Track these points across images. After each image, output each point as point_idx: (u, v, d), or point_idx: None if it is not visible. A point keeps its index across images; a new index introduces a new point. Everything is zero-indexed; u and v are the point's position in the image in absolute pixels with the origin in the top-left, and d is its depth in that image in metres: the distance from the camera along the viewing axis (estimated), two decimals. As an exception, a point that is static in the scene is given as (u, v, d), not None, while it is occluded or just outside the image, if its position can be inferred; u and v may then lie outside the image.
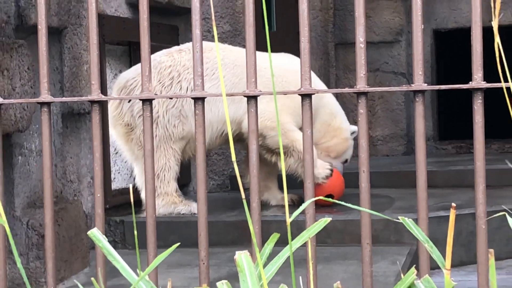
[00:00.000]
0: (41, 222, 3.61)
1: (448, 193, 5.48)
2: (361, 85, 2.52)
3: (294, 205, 4.99)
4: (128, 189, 5.21)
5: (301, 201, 4.86)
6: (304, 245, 1.89)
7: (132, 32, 4.95)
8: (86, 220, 4.07)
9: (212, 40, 5.93)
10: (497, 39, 1.72)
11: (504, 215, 1.96)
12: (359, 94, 2.54)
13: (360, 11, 2.52)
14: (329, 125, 5.09)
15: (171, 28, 5.83)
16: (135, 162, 4.88)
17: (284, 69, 4.82)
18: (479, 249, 2.48)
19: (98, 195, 2.70)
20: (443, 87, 2.56)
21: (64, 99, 2.87)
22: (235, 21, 6.24)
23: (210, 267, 2.72)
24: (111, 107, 4.82)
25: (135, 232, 1.86)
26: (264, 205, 4.98)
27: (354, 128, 5.10)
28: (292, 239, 1.72)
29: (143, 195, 4.73)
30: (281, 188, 5.24)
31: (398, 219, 1.99)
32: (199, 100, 2.63)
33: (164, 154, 4.77)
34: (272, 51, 4.85)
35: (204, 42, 4.26)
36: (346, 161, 5.23)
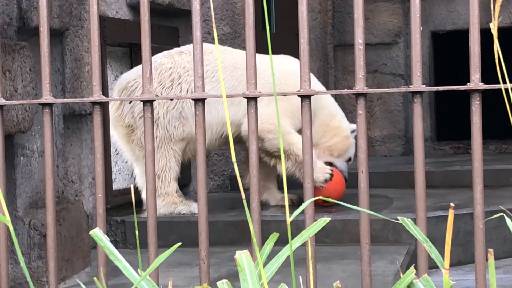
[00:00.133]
0: (43, 222, 3.63)
1: (446, 193, 5.50)
2: (360, 86, 2.55)
3: (294, 205, 5.01)
4: (128, 189, 5.23)
5: (300, 201, 4.88)
6: (303, 244, 1.91)
7: (133, 34, 4.98)
8: (88, 220, 4.09)
9: (212, 41, 5.95)
10: (496, 41, 1.75)
11: (502, 215, 1.98)
12: (358, 95, 2.56)
13: (359, 13, 2.55)
14: (328, 125, 5.09)
15: (171, 30, 5.85)
16: (135, 163, 4.90)
17: (282, 71, 4.83)
18: (477, 248, 2.50)
19: (100, 195, 2.73)
20: (441, 88, 2.58)
21: (65, 100, 2.90)
22: (234, 23, 6.26)
23: (210, 267, 2.74)
24: (112, 108, 4.84)
25: (137, 232, 1.88)
26: (264, 205, 4.99)
27: (354, 126, 5.10)
28: (292, 238, 1.74)
29: (143, 195, 4.75)
30: (280, 188, 5.26)
31: (396, 219, 2.01)
32: (199, 101, 2.66)
33: (164, 155, 4.79)
34: (272, 52, 4.89)
35: (204, 44, 4.28)
36: (349, 159, 5.20)
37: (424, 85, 2.52)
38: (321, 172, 4.84)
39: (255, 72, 2.62)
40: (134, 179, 5.00)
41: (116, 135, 4.89)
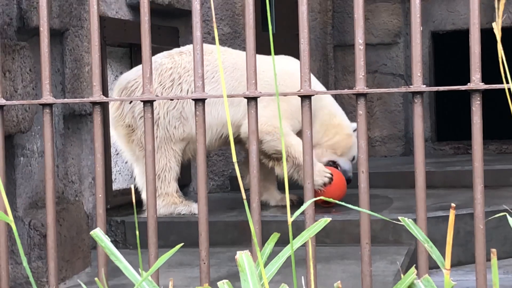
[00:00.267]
0: (43, 222, 3.63)
1: (446, 194, 5.50)
2: (360, 86, 2.55)
3: (294, 205, 5.00)
4: (128, 189, 5.23)
5: (300, 201, 4.88)
6: (303, 245, 1.91)
7: (133, 34, 4.98)
8: (88, 220, 4.09)
9: (212, 42, 5.95)
10: (499, 42, 1.75)
11: (504, 214, 1.98)
12: (358, 95, 2.56)
13: (359, 13, 2.55)
14: (328, 124, 5.08)
15: (171, 30, 5.85)
16: (135, 163, 4.90)
17: (282, 71, 4.83)
18: (478, 249, 2.50)
19: (100, 195, 2.73)
20: (441, 88, 2.58)
21: (65, 100, 2.90)
22: (234, 23, 6.26)
23: (210, 267, 2.74)
24: (112, 108, 4.84)
25: (137, 232, 1.88)
26: (263, 206, 4.99)
27: (355, 125, 5.09)
28: (292, 239, 1.74)
29: (143, 196, 4.75)
30: (280, 188, 5.26)
31: (397, 219, 2.01)
32: (199, 102, 2.66)
33: (164, 155, 4.79)
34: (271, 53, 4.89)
35: (205, 45, 4.29)
36: (353, 158, 5.17)
37: (424, 85, 2.52)
38: (319, 175, 4.81)
39: (255, 72, 2.62)
40: (134, 179, 5.00)
41: (116, 135, 4.89)
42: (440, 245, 2.09)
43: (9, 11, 3.65)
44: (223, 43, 6.09)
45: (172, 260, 3.99)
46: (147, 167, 2.70)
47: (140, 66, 4.60)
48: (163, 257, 1.79)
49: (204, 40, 4.06)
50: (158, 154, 4.73)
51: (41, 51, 2.73)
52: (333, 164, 5.12)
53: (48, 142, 2.73)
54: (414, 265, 2.09)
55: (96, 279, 2.08)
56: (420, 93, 2.52)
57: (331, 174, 4.87)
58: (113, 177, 5.12)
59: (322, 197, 1.95)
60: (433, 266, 2.71)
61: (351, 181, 5.03)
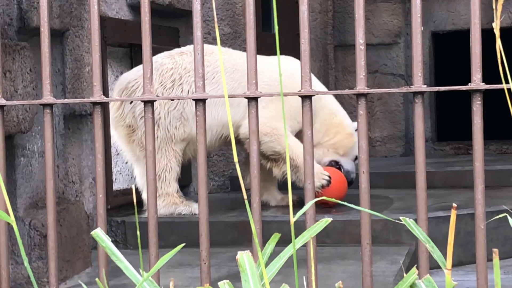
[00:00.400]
0: (43, 222, 3.63)
1: (446, 194, 5.50)
2: (361, 86, 2.55)
3: (294, 205, 5.00)
4: (129, 189, 5.23)
5: (300, 201, 4.87)
6: (304, 245, 1.91)
7: (133, 34, 4.98)
8: (88, 220, 4.09)
9: (213, 42, 5.95)
10: (499, 41, 1.75)
11: (505, 215, 1.98)
12: (359, 95, 2.56)
13: (360, 13, 2.55)
14: (329, 123, 5.07)
15: (172, 30, 5.85)
16: (136, 163, 4.90)
17: (282, 72, 4.82)
18: (478, 249, 2.50)
19: (100, 195, 2.73)
20: (442, 88, 2.58)
21: (66, 100, 2.89)
22: (235, 23, 6.26)
23: (211, 267, 2.74)
24: (113, 108, 4.84)
25: (138, 233, 1.88)
26: (264, 206, 4.99)
27: (356, 125, 5.07)
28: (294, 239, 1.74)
29: (144, 196, 4.75)
30: (280, 189, 5.26)
31: (398, 219, 2.01)
32: (200, 102, 2.65)
33: (165, 155, 4.79)
34: (272, 53, 4.89)
35: (205, 45, 4.28)
36: (356, 158, 5.15)
37: (425, 85, 2.52)
38: (317, 177, 4.78)
39: (256, 73, 2.62)
40: (135, 179, 5.00)
41: (116, 135, 4.89)
42: (441, 245, 2.08)
43: (9, 11, 3.65)
44: (223, 43, 6.09)
45: (173, 260, 3.99)
46: (148, 167, 2.70)
47: (140, 66, 4.61)
48: (164, 258, 1.79)
49: (204, 40, 4.06)
50: (159, 155, 4.73)
51: (41, 51, 2.73)
52: (335, 164, 5.11)
53: (49, 142, 2.73)
54: (416, 265, 2.09)
55: (96, 279, 2.08)
56: (421, 93, 2.52)
57: (329, 177, 4.85)
58: (114, 177, 5.12)
59: (324, 197, 1.95)
60: (434, 266, 2.71)
61: (353, 182, 5.00)
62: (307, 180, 2.60)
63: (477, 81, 2.48)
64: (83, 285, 1.98)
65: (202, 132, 2.64)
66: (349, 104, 7.60)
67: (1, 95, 2.76)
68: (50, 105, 2.75)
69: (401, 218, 1.91)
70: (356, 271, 3.46)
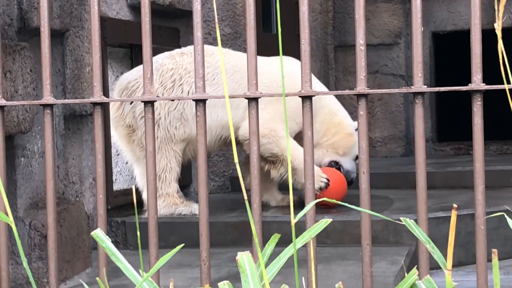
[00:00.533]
0: (43, 222, 3.63)
1: (447, 194, 5.50)
2: (361, 87, 2.55)
3: (294, 206, 4.99)
4: (129, 190, 5.23)
5: (300, 202, 4.87)
6: (304, 245, 1.91)
7: (134, 35, 4.98)
8: (88, 221, 4.09)
9: (213, 42, 5.95)
10: (500, 42, 1.74)
11: (503, 215, 1.98)
12: (359, 96, 2.56)
13: (360, 14, 2.55)
14: (329, 123, 5.07)
15: (172, 30, 5.85)
16: (136, 163, 4.90)
17: (281, 72, 4.82)
18: (479, 249, 2.50)
19: (100, 196, 2.73)
20: (442, 89, 2.58)
21: (66, 101, 2.89)
22: (235, 23, 6.26)
23: (211, 267, 2.74)
24: (113, 108, 4.84)
25: (138, 233, 1.88)
26: (264, 206, 4.99)
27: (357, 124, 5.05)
28: (292, 240, 1.74)
29: (144, 196, 4.75)
30: (280, 189, 5.26)
31: (398, 220, 2.01)
32: (200, 102, 2.65)
33: (165, 156, 4.79)
34: (272, 53, 4.89)
35: (205, 46, 4.28)
36: (357, 157, 5.14)
37: (425, 86, 2.51)
38: (315, 179, 4.78)
39: (256, 73, 2.62)
40: (135, 179, 5.00)
41: (116, 135, 4.89)
42: (441, 246, 2.08)
43: (9, 11, 3.65)
44: (224, 43, 6.09)
45: (173, 260, 3.98)
46: (148, 167, 2.70)
47: (140, 66, 4.60)
48: (164, 258, 1.79)
49: (205, 40, 4.06)
50: (159, 155, 4.73)
51: (41, 52, 2.73)
52: (335, 164, 5.11)
53: (49, 143, 2.73)
54: (416, 266, 2.09)
55: (97, 279, 2.08)
56: (421, 93, 2.52)
57: (327, 179, 4.84)
58: (114, 177, 5.12)
59: (325, 198, 1.95)
60: (434, 267, 2.71)
61: (353, 182, 5.00)
62: (307, 181, 2.60)
63: (477, 82, 2.48)
64: (85, 284, 1.98)
65: (202, 133, 2.64)
66: (349, 105, 7.59)
67: (1, 96, 2.76)
68: (50, 106, 2.75)
69: (401, 218, 1.91)
70: (356, 271, 3.46)
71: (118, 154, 5.11)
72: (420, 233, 1.88)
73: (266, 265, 1.83)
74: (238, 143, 4.84)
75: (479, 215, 2.50)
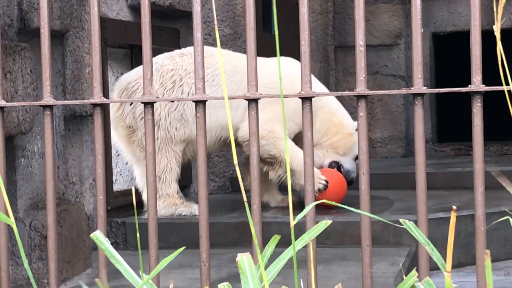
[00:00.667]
0: (43, 223, 3.63)
1: (447, 195, 5.49)
2: (361, 88, 2.55)
3: (294, 207, 4.99)
4: (129, 190, 5.23)
5: (300, 202, 4.87)
6: (304, 246, 1.91)
7: (134, 35, 4.98)
8: (88, 221, 4.09)
9: (213, 43, 5.95)
10: (499, 44, 1.74)
11: (502, 216, 1.98)
12: (359, 97, 2.56)
13: (360, 15, 2.55)
14: (329, 123, 5.06)
15: (172, 31, 5.85)
16: (136, 164, 4.90)
17: (281, 73, 4.80)
18: (478, 250, 2.50)
19: (100, 197, 2.73)
20: (442, 90, 2.58)
21: (66, 102, 2.90)
22: (235, 24, 6.26)
23: (211, 268, 2.74)
24: (113, 109, 4.84)
25: (138, 234, 1.88)
26: (264, 207, 4.99)
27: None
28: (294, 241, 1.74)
29: (144, 197, 4.75)
30: (280, 190, 5.26)
31: (398, 221, 2.01)
32: (200, 103, 2.65)
33: (165, 156, 4.79)
34: (272, 54, 4.89)
35: (205, 47, 4.28)
36: (357, 157, 5.13)
37: (425, 87, 2.51)
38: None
39: (256, 74, 2.62)
40: (135, 180, 5.00)
41: (116, 136, 4.89)
42: (441, 247, 2.08)
43: (9, 12, 3.65)
44: (224, 44, 6.09)
45: (173, 261, 3.96)
46: (148, 168, 2.70)
47: (140, 67, 4.61)
48: (164, 261, 1.79)
49: (205, 41, 4.06)
50: (159, 155, 4.73)
51: (41, 52, 2.73)
52: (336, 165, 5.10)
53: (49, 143, 2.73)
54: (415, 267, 2.09)
55: (96, 280, 2.08)
56: (421, 94, 2.52)
57: (326, 181, 4.84)
58: (114, 178, 5.12)
59: (325, 200, 1.95)
60: (433, 267, 2.71)
61: (352, 182, 5.00)
62: (307, 182, 2.60)
63: (477, 83, 2.48)
64: (84, 285, 1.98)
65: (202, 134, 2.64)
66: (349, 105, 7.59)
67: (1, 96, 2.76)
68: (50, 107, 2.75)
69: (400, 220, 1.91)
70: (356, 272, 3.46)
71: (118, 155, 5.11)
72: (419, 234, 1.88)
73: (266, 266, 1.83)
74: (237, 144, 4.85)
75: (479, 216, 2.50)
